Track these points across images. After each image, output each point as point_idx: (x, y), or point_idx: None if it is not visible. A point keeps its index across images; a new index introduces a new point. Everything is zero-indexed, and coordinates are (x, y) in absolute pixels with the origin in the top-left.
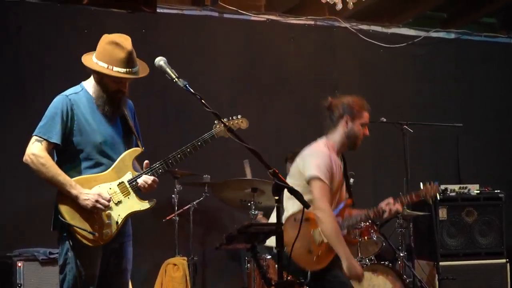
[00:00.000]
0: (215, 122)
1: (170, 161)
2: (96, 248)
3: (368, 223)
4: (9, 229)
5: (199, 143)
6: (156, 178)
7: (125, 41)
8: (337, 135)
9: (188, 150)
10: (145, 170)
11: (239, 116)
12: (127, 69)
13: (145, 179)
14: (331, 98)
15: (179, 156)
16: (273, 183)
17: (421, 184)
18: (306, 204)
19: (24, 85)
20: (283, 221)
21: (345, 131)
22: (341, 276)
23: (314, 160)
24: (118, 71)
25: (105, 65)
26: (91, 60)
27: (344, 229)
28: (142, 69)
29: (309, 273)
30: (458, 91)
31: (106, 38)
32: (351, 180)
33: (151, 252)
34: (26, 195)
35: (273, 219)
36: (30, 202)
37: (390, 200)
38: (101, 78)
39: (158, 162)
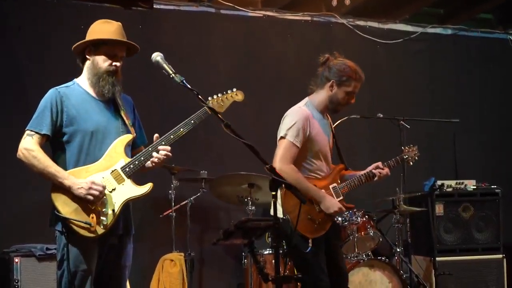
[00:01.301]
0: (208, 98)
1: (163, 143)
2: (92, 242)
3: (365, 219)
4: (7, 225)
5: (191, 121)
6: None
7: (121, 23)
8: (321, 95)
9: (181, 129)
10: (138, 154)
11: (234, 89)
12: (120, 39)
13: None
14: (329, 56)
15: (172, 136)
16: (270, 178)
17: (403, 147)
18: (302, 199)
19: (24, 85)
20: (283, 190)
21: (329, 95)
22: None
23: (287, 121)
24: (111, 38)
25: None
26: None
27: (340, 195)
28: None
29: (310, 241)
30: (455, 87)
31: (94, 22)
32: None
33: (148, 248)
34: (24, 192)
35: None
36: (28, 198)
37: (379, 164)
38: (94, 57)
39: (150, 146)
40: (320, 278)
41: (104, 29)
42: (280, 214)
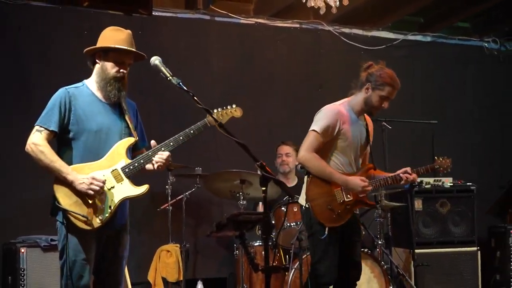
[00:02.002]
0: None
1: (162, 148)
2: (90, 233)
3: None
4: (13, 217)
5: (191, 132)
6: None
7: (124, 29)
8: (358, 97)
9: (181, 138)
10: (138, 157)
11: (233, 106)
12: (129, 48)
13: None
14: (372, 63)
15: (171, 143)
16: (260, 175)
17: (435, 157)
18: (291, 194)
19: (24, 85)
20: (309, 178)
21: (364, 97)
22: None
23: (319, 115)
24: (120, 46)
25: (108, 45)
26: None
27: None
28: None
29: (326, 229)
30: (434, 91)
31: (106, 29)
32: None
33: (146, 239)
34: (31, 185)
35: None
36: (33, 192)
37: (408, 169)
38: (103, 63)
39: (150, 150)
40: (328, 269)
41: (114, 36)
42: (302, 201)
